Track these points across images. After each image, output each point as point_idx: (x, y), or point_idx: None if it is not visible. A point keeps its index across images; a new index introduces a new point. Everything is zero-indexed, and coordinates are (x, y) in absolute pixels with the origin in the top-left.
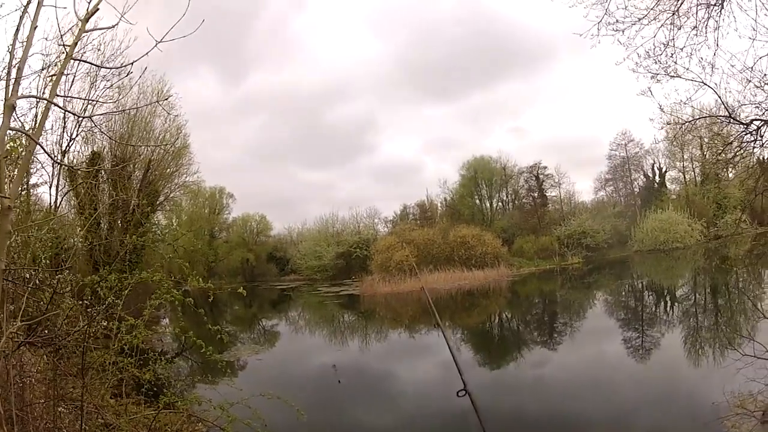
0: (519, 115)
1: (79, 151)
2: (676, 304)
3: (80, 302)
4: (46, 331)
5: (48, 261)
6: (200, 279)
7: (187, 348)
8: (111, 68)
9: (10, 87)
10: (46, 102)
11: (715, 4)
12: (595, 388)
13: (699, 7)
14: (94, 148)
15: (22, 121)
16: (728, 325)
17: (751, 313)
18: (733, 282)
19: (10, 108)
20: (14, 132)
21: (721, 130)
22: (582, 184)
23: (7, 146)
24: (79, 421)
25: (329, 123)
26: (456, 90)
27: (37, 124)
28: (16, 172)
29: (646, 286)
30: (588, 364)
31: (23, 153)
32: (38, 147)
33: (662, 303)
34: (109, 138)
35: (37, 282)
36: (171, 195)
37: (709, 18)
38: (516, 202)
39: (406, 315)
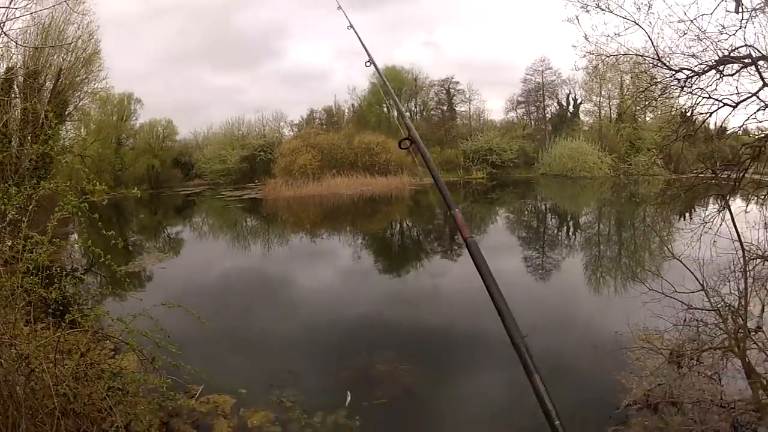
0: (435, 29)
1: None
2: (578, 230)
3: None
4: None
5: None
6: (98, 184)
7: (95, 263)
8: None
9: None
10: None
11: None
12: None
13: None
14: (10, 64)
15: None
16: (633, 260)
17: (658, 252)
18: (641, 219)
19: None
20: None
21: (647, 71)
22: (493, 103)
23: None
24: None
25: (239, 26)
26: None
27: None
28: None
29: (550, 208)
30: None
31: None
32: None
33: (564, 227)
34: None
35: None
36: (80, 104)
37: None
38: (425, 113)
39: (307, 219)
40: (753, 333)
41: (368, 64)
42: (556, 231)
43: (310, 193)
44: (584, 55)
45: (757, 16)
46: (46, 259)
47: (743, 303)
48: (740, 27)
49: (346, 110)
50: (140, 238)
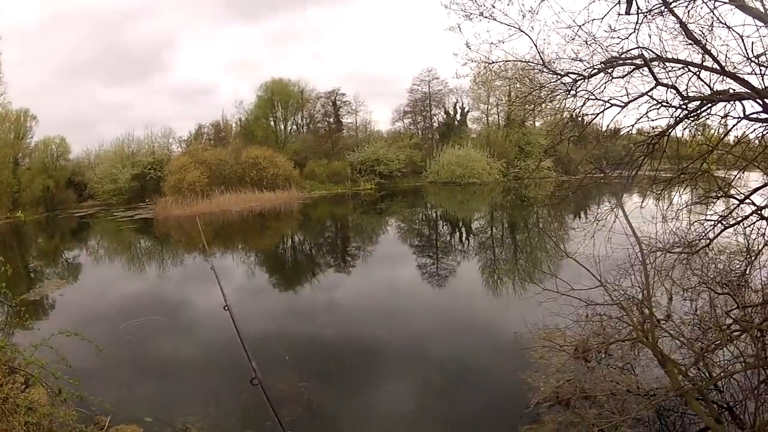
0: (320, 41)
1: None
2: (471, 236)
3: None
4: None
5: None
6: None
7: None
8: None
9: None
10: None
11: None
12: (390, 314)
13: None
14: None
15: None
16: (528, 261)
17: (553, 252)
18: (533, 221)
19: None
20: None
21: (534, 78)
22: (380, 114)
23: None
24: None
25: (131, 40)
26: (266, 10)
27: None
28: None
29: (441, 216)
30: (383, 289)
31: None
32: None
33: (457, 233)
34: None
35: None
36: None
37: None
38: (311, 126)
39: (199, 238)
40: (663, 322)
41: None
42: (448, 237)
43: (200, 210)
44: (465, 63)
45: (653, 19)
46: None
47: (647, 294)
48: (634, 30)
49: (234, 124)
50: (40, 264)
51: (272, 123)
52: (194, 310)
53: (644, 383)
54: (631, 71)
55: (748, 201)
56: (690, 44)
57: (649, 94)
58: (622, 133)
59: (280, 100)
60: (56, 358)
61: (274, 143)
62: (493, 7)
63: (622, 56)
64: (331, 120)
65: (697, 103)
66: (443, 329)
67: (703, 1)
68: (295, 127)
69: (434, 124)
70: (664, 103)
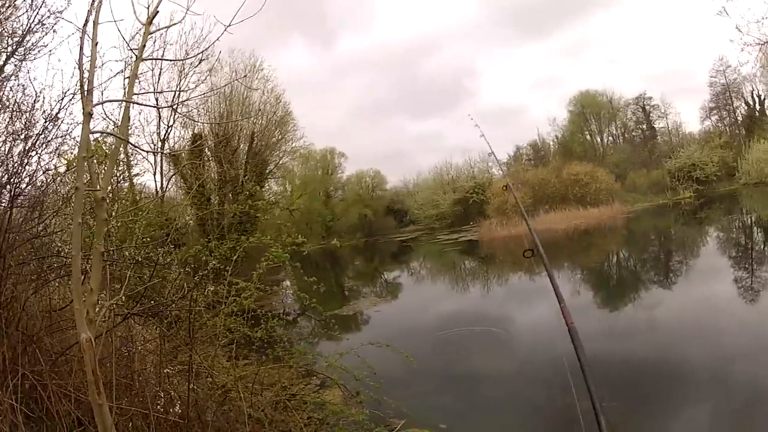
0: (609, 45)
1: (181, 137)
2: None
3: (186, 271)
4: (152, 303)
5: (152, 240)
6: (299, 237)
7: (308, 308)
8: (184, 60)
9: (85, 97)
10: (124, 103)
11: None
12: (704, 333)
13: None
14: (195, 131)
15: (114, 121)
16: None
17: None
18: None
19: (87, 116)
20: (101, 134)
21: None
22: (685, 115)
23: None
24: (188, 383)
25: (427, 73)
26: (551, 26)
27: (120, 123)
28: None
29: (755, 221)
30: (700, 306)
31: (113, 149)
32: (135, 142)
33: None
34: (208, 118)
35: (140, 259)
36: (280, 162)
37: None
38: (626, 135)
39: (523, 259)
40: None
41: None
42: (762, 246)
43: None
44: (742, 48)
45: None
46: (251, 302)
47: None
48: None
49: (551, 142)
50: (356, 284)
51: (588, 136)
52: (516, 325)
53: None
54: None
55: None
56: None
57: None
58: None
59: (591, 112)
60: (361, 366)
61: (593, 157)
62: None
63: None
64: (644, 127)
65: None
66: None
67: None
68: (611, 137)
69: (738, 117)
70: None
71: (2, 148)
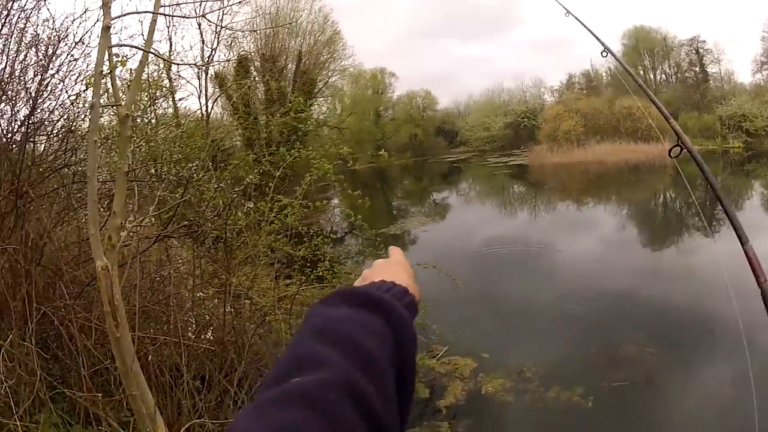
0: None
1: (229, 60)
2: None
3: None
4: (187, 223)
5: (191, 159)
6: (344, 148)
7: (355, 226)
8: None
9: (105, 8)
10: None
11: None
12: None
13: None
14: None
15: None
16: None
17: None
18: None
19: (106, 29)
20: (120, 47)
21: None
22: (737, 65)
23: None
24: (224, 306)
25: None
26: None
27: (146, 37)
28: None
29: None
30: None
31: (138, 65)
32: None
33: None
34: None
35: (174, 178)
36: (329, 81)
37: None
38: (678, 75)
39: (573, 187)
40: None
41: (605, 54)
42: None
43: (575, 159)
44: None
45: None
46: (294, 220)
47: None
48: None
49: (604, 73)
50: (405, 203)
51: (642, 72)
52: (558, 259)
53: None
54: None
55: None
56: None
57: None
58: None
59: (645, 47)
60: None
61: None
62: None
63: None
64: (697, 69)
65: None
66: None
67: None
68: (663, 75)
69: None
70: None
71: (24, 79)
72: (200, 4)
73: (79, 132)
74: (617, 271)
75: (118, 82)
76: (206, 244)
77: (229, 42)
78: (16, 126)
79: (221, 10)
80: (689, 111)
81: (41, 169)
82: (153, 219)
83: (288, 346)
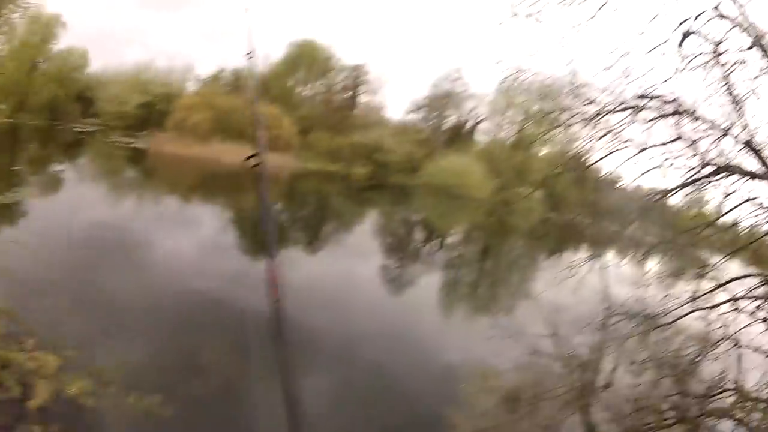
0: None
1: None
2: (442, 248)
3: None
4: None
5: None
6: None
7: None
8: None
9: None
10: None
11: None
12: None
13: None
14: None
15: None
16: (489, 290)
17: (517, 288)
18: (507, 250)
19: None
20: None
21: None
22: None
23: None
24: None
25: None
26: None
27: None
28: None
29: (419, 222)
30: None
31: None
32: None
33: (429, 243)
34: None
35: None
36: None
37: None
38: (327, 95)
39: (185, 184)
40: (600, 390)
41: (251, 56)
42: (420, 245)
43: (195, 154)
44: (498, 61)
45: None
46: None
47: (595, 357)
48: (675, 73)
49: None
50: (28, 170)
51: (292, 83)
52: (154, 255)
53: None
54: (656, 118)
55: (722, 288)
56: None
57: (666, 146)
58: (621, 183)
59: (305, 62)
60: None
61: (287, 104)
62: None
63: (654, 97)
64: (350, 95)
65: (711, 169)
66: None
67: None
68: (311, 92)
69: (444, 125)
70: (677, 159)
71: None
72: None
73: None
74: (211, 273)
75: None
76: None
77: None
78: None
79: None
80: (324, 131)
81: None
82: None
83: None
